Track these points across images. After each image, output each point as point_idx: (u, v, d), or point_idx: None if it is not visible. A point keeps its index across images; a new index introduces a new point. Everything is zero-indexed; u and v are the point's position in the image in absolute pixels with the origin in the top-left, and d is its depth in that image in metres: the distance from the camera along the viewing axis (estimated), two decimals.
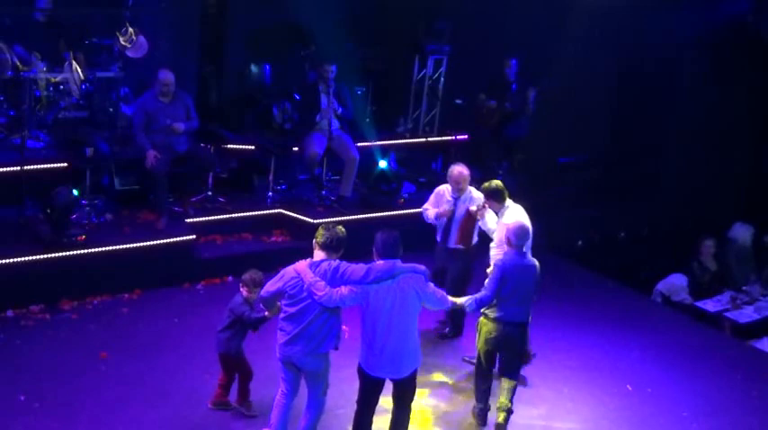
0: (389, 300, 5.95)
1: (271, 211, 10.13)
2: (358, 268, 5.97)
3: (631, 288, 10.71)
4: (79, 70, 9.40)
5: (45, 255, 8.27)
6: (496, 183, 7.77)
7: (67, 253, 8.39)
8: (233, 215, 9.87)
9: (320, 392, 6.26)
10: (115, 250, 8.66)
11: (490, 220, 7.88)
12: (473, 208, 8.01)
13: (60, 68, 9.45)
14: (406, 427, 6.46)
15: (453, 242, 8.24)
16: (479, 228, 8.14)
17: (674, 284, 10.72)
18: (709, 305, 10.38)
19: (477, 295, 6.82)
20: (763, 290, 10.78)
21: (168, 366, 7.53)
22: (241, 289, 6.74)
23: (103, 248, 8.59)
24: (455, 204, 8.17)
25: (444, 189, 8.29)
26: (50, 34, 9.67)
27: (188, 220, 9.47)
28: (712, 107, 13.45)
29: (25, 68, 9.14)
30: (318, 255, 6.09)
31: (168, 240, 9.02)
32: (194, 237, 9.26)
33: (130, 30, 9.49)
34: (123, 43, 9.58)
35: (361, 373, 6.22)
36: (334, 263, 6.00)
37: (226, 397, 6.97)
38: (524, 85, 11.76)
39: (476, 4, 12.03)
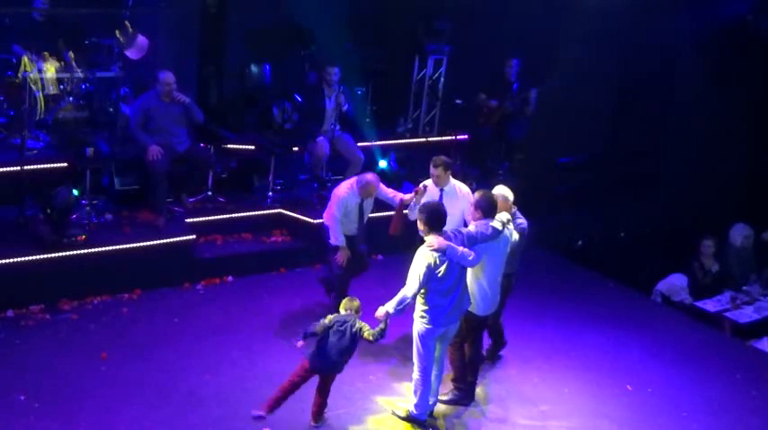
0: (503, 248, 7.21)
1: (271, 211, 10.12)
2: (482, 228, 6.97)
3: (631, 288, 10.70)
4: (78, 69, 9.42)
5: (45, 255, 8.27)
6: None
7: (67, 253, 8.38)
8: (233, 215, 9.87)
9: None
10: (115, 250, 8.66)
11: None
12: (407, 196, 8.15)
13: (60, 68, 9.44)
14: None
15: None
16: None
17: (674, 284, 10.70)
18: (710, 305, 10.35)
19: None
20: (763, 290, 10.75)
21: (168, 366, 7.52)
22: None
23: (103, 248, 8.59)
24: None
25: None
26: (49, 34, 9.66)
27: (188, 220, 9.47)
28: (712, 107, 13.44)
29: (25, 68, 9.13)
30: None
31: (168, 240, 9.01)
32: (194, 237, 9.25)
33: (131, 30, 9.48)
34: (122, 43, 9.57)
35: (474, 319, 7.24)
36: (463, 231, 6.94)
37: None
38: (525, 85, 11.75)
39: (476, 4, 12.03)
